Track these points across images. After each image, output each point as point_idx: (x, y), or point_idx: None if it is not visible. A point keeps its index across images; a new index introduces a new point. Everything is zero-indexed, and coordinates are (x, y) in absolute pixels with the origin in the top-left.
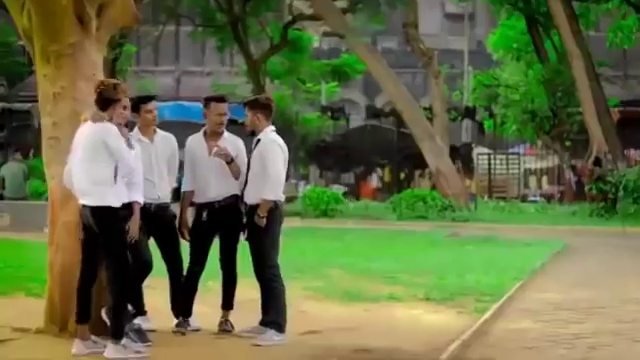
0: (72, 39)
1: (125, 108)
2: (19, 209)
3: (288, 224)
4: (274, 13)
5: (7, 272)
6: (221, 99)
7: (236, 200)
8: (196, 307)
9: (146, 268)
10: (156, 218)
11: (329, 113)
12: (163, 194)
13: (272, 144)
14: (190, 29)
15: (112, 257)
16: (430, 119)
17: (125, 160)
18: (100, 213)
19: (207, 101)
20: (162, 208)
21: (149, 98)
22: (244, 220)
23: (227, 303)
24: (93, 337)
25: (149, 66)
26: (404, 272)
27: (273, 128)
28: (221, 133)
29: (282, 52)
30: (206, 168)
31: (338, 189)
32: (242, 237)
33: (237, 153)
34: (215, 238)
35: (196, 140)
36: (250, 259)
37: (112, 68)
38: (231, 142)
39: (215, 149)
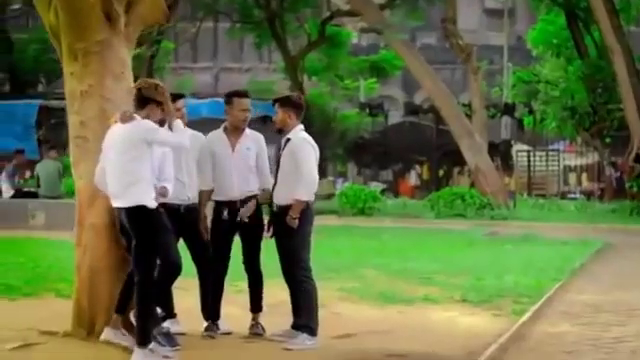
0: (100, 36)
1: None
2: (54, 208)
3: (324, 222)
4: (312, 9)
5: (38, 272)
6: (244, 94)
7: (256, 198)
8: (227, 309)
9: (175, 270)
10: (186, 219)
11: (367, 110)
12: (193, 195)
13: (304, 143)
14: (228, 26)
15: (140, 261)
16: (469, 116)
17: (172, 142)
18: (135, 214)
19: (229, 97)
20: (192, 209)
21: (178, 96)
22: (265, 220)
23: (255, 305)
24: (123, 330)
25: (187, 63)
26: (440, 272)
27: (302, 127)
28: (243, 129)
29: (320, 48)
30: (229, 165)
31: (376, 186)
32: (266, 235)
33: (259, 150)
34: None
35: (216, 136)
36: (277, 259)
37: (150, 65)
38: (253, 139)
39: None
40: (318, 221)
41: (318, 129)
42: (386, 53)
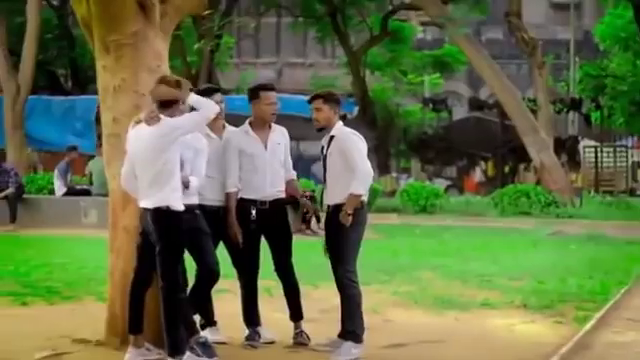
0: (133, 27)
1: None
2: (107, 206)
3: (384, 221)
4: (375, 3)
5: (83, 273)
6: (270, 88)
7: (283, 201)
8: (272, 314)
9: (212, 276)
10: (224, 221)
11: (431, 105)
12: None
13: (351, 137)
14: (292, 20)
15: (165, 266)
16: (535, 111)
17: (201, 119)
18: (161, 216)
19: (255, 91)
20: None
21: (213, 90)
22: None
23: (295, 313)
24: (147, 344)
25: (250, 58)
26: (501, 275)
27: (341, 123)
28: (270, 124)
29: (383, 43)
30: (262, 164)
31: (441, 183)
32: (318, 227)
33: (286, 143)
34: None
35: (242, 133)
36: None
37: (210, 60)
38: (281, 132)
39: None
40: (378, 220)
41: (381, 125)
42: (450, 48)
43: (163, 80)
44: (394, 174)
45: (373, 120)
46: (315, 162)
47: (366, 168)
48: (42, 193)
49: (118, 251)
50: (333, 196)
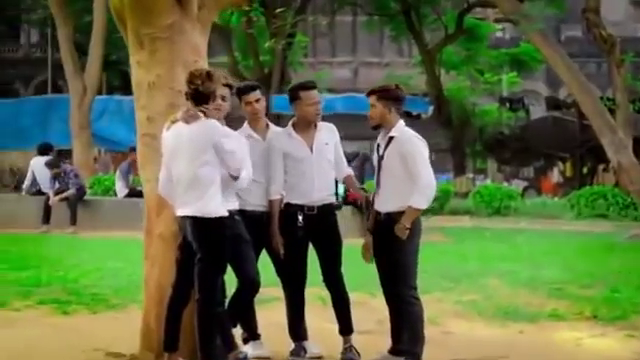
0: (169, 20)
1: (224, 99)
2: None
3: (456, 223)
4: (450, 0)
5: (133, 279)
6: (310, 86)
7: (333, 206)
8: (324, 325)
9: (253, 287)
10: (267, 228)
11: (507, 104)
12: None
13: (415, 141)
14: (367, 19)
15: (204, 278)
16: (613, 110)
17: (237, 161)
18: (203, 224)
19: (295, 91)
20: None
21: (250, 88)
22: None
23: (344, 327)
24: None
25: (326, 57)
26: (573, 282)
27: (403, 122)
28: (316, 124)
29: (458, 41)
30: (309, 168)
31: (518, 184)
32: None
33: (336, 141)
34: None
35: (285, 136)
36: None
37: (283, 59)
38: (328, 130)
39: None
40: (449, 222)
41: (456, 124)
42: (526, 46)
43: (192, 74)
44: (470, 175)
45: (448, 120)
46: None
47: (429, 179)
48: (108, 194)
49: (153, 260)
50: (386, 202)
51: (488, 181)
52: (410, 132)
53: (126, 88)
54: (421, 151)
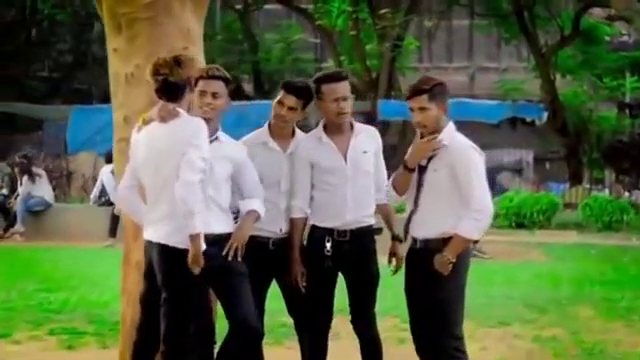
0: None
1: (204, 94)
2: None
3: (560, 239)
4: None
5: None
6: (336, 77)
7: (371, 230)
8: None
9: (248, 333)
10: (279, 258)
11: (627, 111)
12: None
13: (470, 152)
14: (478, 21)
15: (171, 322)
16: None
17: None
18: (172, 255)
19: (317, 84)
20: (287, 244)
21: (291, 90)
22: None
23: None
24: None
25: (442, 62)
26: None
27: (454, 126)
28: (352, 126)
29: (575, 44)
30: (342, 182)
31: (638, 195)
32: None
33: (377, 150)
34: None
35: (314, 140)
36: None
37: (391, 63)
38: (368, 135)
39: None
40: (553, 237)
41: (572, 131)
42: None
43: (155, 64)
44: (586, 185)
45: (564, 126)
46: (500, 172)
47: (484, 202)
48: None
49: (129, 294)
50: (424, 226)
51: (606, 192)
52: (463, 139)
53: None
54: (477, 165)
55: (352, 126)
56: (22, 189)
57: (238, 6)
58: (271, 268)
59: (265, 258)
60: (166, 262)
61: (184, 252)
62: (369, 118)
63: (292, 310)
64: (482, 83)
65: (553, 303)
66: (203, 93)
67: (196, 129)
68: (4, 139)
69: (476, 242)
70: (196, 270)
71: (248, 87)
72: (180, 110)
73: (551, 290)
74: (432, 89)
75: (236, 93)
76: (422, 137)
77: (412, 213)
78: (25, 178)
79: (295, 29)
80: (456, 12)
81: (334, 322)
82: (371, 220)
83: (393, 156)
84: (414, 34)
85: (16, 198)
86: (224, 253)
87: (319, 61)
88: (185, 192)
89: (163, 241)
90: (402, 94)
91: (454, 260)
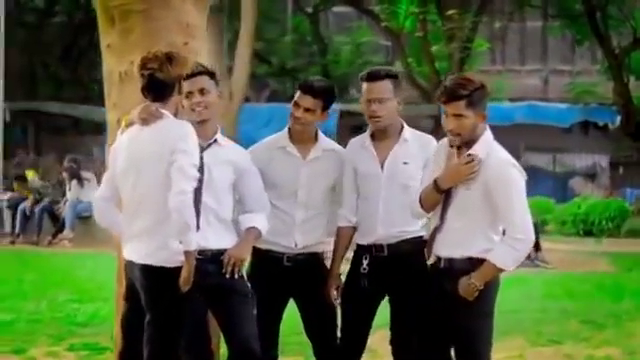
0: None
1: (191, 95)
2: None
3: (632, 248)
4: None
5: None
6: (372, 76)
7: (419, 244)
8: None
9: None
10: (295, 275)
11: None
12: (313, 237)
13: (508, 169)
14: (557, 24)
15: (156, 348)
16: None
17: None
18: (157, 275)
19: (360, 82)
20: (302, 261)
21: (307, 89)
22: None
23: None
24: None
25: (515, 65)
26: None
27: (491, 134)
28: (399, 131)
29: None
30: (375, 191)
31: None
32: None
33: (425, 158)
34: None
35: (359, 144)
36: None
37: (460, 65)
38: (420, 145)
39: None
40: (623, 247)
41: None
42: None
43: (145, 57)
44: None
45: (637, 130)
46: (572, 177)
47: (528, 231)
48: None
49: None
50: (450, 245)
51: None
52: (502, 153)
53: None
54: (517, 185)
55: (400, 132)
56: (71, 194)
57: (308, 8)
58: (287, 286)
59: (280, 275)
60: (151, 280)
61: (173, 270)
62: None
63: (312, 334)
64: (556, 86)
65: (612, 318)
66: (190, 94)
67: (183, 132)
68: (69, 141)
69: (539, 250)
70: (185, 288)
71: None
72: (164, 112)
73: (612, 304)
74: (471, 95)
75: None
76: (452, 147)
77: (437, 229)
78: (74, 182)
79: (365, 31)
80: (529, 13)
81: (372, 337)
82: (409, 234)
83: None
84: (485, 36)
85: (65, 203)
86: (223, 271)
87: (389, 64)
88: (180, 204)
89: (146, 261)
90: None
91: (481, 287)
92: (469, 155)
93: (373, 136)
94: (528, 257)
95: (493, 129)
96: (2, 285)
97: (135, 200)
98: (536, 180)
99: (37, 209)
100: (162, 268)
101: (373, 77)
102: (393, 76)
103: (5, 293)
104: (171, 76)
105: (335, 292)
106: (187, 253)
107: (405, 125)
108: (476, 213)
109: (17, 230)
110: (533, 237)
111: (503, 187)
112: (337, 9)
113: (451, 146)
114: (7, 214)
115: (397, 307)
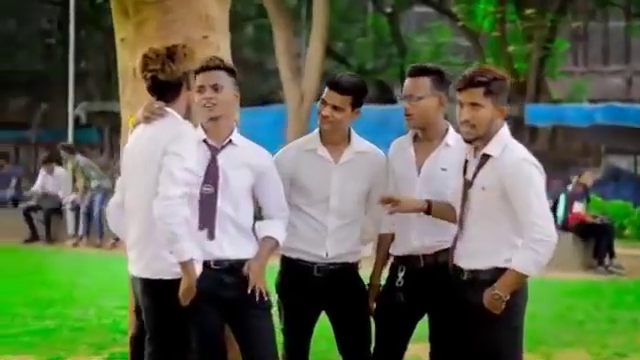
0: None
1: (202, 89)
2: None
3: None
4: None
5: None
6: (411, 72)
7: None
8: None
9: None
10: (327, 288)
11: None
12: (345, 247)
13: (524, 167)
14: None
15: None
16: None
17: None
18: (156, 289)
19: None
20: (334, 272)
21: (333, 85)
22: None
23: None
24: None
25: (598, 66)
26: None
27: (507, 131)
28: (443, 135)
29: None
30: (408, 191)
31: None
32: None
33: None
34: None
35: (399, 146)
36: None
37: (540, 65)
38: (458, 150)
39: None
40: None
41: None
42: None
43: (145, 57)
44: None
45: None
46: None
47: (549, 231)
48: None
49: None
50: (472, 255)
51: None
52: (519, 150)
53: (381, 98)
54: (535, 183)
55: (443, 136)
56: None
57: (388, 9)
58: (318, 298)
59: (310, 286)
60: (148, 295)
61: (171, 283)
62: (517, 123)
63: (345, 350)
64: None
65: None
66: (201, 88)
67: (177, 134)
68: None
69: (613, 256)
70: (185, 302)
71: (397, 91)
72: (168, 110)
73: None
74: (490, 83)
75: (385, 98)
76: (467, 142)
77: (457, 238)
78: None
79: (445, 32)
80: (611, 13)
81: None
82: (447, 244)
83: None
84: (567, 36)
85: None
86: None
87: (468, 65)
88: (164, 210)
89: (142, 275)
90: (552, 99)
91: (507, 298)
92: (479, 140)
93: (416, 137)
94: (601, 264)
95: (573, 130)
96: (53, 290)
97: (130, 207)
98: (617, 183)
99: (96, 209)
100: (160, 281)
101: (410, 73)
102: (434, 73)
103: (55, 298)
104: (175, 74)
105: (373, 304)
106: (182, 264)
107: (451, 128)
108: (497, 219)
109: (80, 232)
110: (555, 238)
111: (519, 186)
112: (417, 9)
113: (465, 140)
114: (71, 216)
115: (437, 322)
